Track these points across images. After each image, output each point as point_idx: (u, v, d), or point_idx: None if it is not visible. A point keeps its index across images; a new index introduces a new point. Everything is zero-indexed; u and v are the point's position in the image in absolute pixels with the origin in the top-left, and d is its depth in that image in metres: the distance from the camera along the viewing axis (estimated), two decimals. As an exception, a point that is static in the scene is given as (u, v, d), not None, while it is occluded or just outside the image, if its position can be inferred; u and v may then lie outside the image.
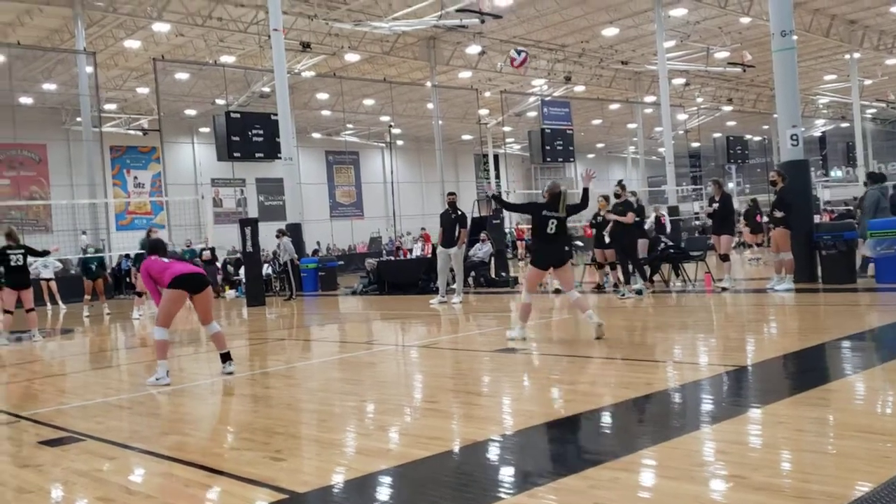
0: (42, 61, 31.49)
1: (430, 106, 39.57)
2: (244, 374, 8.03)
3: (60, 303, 21.11)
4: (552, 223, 8.43)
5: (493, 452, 4.47)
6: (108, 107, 36.07)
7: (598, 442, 4.69)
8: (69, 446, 5.19)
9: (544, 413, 5.36)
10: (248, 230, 18.48)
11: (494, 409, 5.63)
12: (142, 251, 17.93)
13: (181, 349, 11.03)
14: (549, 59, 37.59)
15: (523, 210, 9.99)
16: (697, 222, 36.91)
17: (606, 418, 5.14)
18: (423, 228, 25.06)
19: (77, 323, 16.56)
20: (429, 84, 37.11)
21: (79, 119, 29.28)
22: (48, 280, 20.98)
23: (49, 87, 33.81)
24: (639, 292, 12.65)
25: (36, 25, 28.09)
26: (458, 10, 23.95)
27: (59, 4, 25.64)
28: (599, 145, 59.62)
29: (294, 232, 20.22)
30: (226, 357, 7.70)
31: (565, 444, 4.70)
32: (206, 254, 22.54)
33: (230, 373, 7.62)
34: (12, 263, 12.40)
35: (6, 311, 12.76)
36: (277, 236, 19.40)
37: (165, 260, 7.48)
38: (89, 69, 27.02)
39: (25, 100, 34.25)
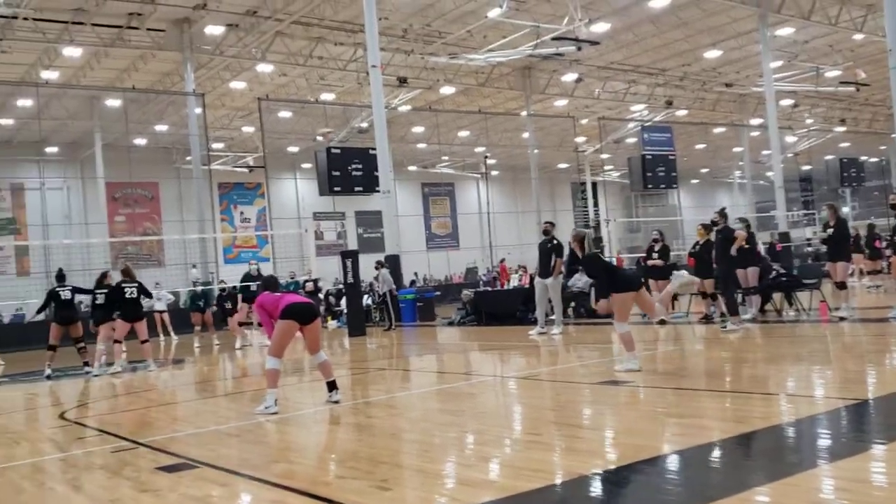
0: (154, 104, 33.25)
1: (525, 135, 39.54)
2: (347, 404, 8.16)
3: (173, 334, 21.94)
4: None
5: (599, 487, 4.36)
6: (215, 145, 37.68)
7: (708, 478, 4.48)
8: (184, 472, 5.37)
9: (651, 447, 5.17)
10: (348, 262, 18.81)
11: (599, 443, 5.53)
12: (233, 287, 18.63)
13: (286, 378, 11.24)
14: (649, 83, 37.00)
15: (588, 272, 9.74)
16: (810, 248, 35.23)
17: (717, 453, 4.92)
18: (522, 267, 24.95)
19: (188, 353, 17.16)
20: (524, 113, 37.12)
21: (189, 158, 30.68)
22: (161, 312, 21.87)
23: (161, 128, 35.64)
24: (723, 326, 11.95)
25: (149, 70, 29.73)
26: (553, 39, 23.86)
27: (170, 49, 27.06)
28: (703, 170, 57.99)
29: (392, 263, 20.43)
30: (332, 386, 7.79)
31: (674, 480, 4.54)
32: (310, 285, 23.04)
33: (336, 401, 7.71)
34: (127, 296, 13.03)
35: (117, 342, 13.34)
36: (376, 268, 19.62)
37: (277, 293, 7.69)
38: (198, 110, 28.35)
39: (139, 141, 36.20)
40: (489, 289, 20.26)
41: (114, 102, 32.13)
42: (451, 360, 12.32)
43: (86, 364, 13.39)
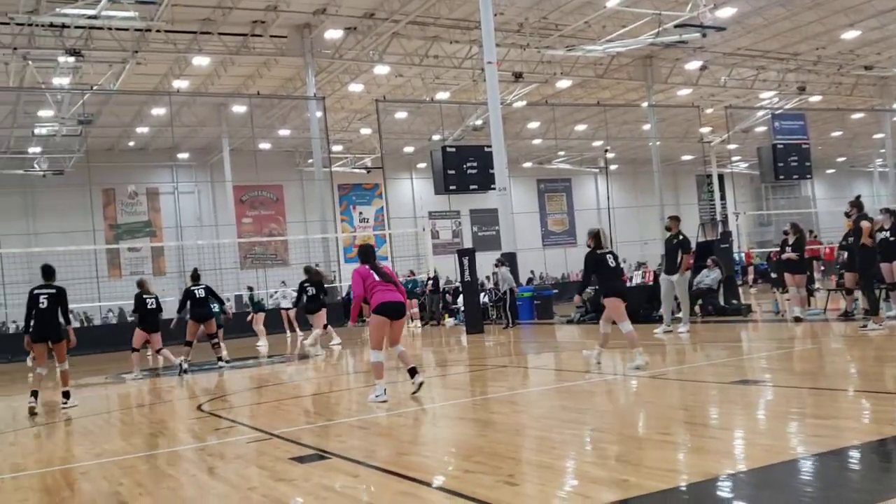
0: (278, 108, 34.50)
1: (646, 127, 38.51)
2: (468, 400, 8.25)
3: (298, 330, 22.59)
4: (609, 258, 9.12)
5: (732, 489, 4.20)
6: (335, 148, 38.69)
7: (847, 483, 4.22)
8: (316, 463, 5.52)
9: (786, 449, 4.94)
10: (465, 260, 18.82)
11: (730, 443, 5.32)
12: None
13: (401, 374, 11.36)
14: (780, 69, 35.23)
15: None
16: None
17: (857, 457, 4.61)
18: (643, 264, 24.25)
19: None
20: (645, 104, 36.16)
21: (311, 160, 31.63)
22: (287, 309, 22.58)
23: (284, 132, 36.94)
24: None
25: (272, 76, 30.85)
26: (676, 26, 23.03)
27: (292, 55, 27.98)
28: (840, 159, 54.72)
29: (508, 261, 20.28)
30: (413, 371, 8.16)
31: (810, 485, 4.28)
32: (430, 284, 23.25)
33: (422, 382, 8.10)
34: (148, 307, 13.47)
35: (188, 343, 13.94)
36: (496, 266, 19.48)
37: (376, 276, 7.97)
38: (319, 113, 29.17)
39: (264, 145, 37.68)
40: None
41: (240, 108, 33.57)
42: (572, 358, 12.11)
43: (219, 359, 13.97)
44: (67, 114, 26.89)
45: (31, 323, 9.75)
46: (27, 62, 23.77)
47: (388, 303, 7.88)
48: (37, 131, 29.56)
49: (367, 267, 8.06)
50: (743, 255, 32.51)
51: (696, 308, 15.62)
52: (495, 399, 8.22)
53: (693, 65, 32.88)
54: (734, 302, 16.49)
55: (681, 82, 35.58)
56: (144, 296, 13.49)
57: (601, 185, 48.65)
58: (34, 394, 9.76)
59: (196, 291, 13.97)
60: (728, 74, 35.04)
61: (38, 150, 32.42)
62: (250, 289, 22.27)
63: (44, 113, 28.33)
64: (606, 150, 36.78)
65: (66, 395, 10.13)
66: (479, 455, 5.33)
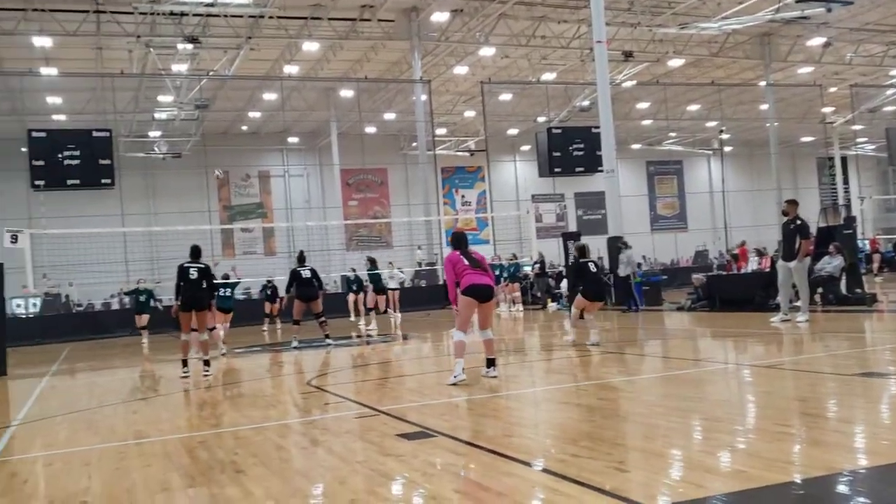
0: (384, 92, 34.93)
1: (763, 107, 36.96)
2: (572, 384, 8.14)
3: (398, 312, 22.88)
4: (591, 265, 11.24)
5: (857, 485, 3.98)
6: (439, 131, 38.88)
7: None
8: (423, 440, 5.56)
9: None
10: (570, 244, 18.55)
11: (854, 438, 5.06)
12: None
13: (508, 357, 11.35)
14: (912, 44, 32.98)
15: (574, 276, 11.97)
16: None
17: None
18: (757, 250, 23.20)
19: (414, 330, 17.83)
20: (763, 83, 34.65)
21: (415, 144, 31.91)
22: (393, 290, 22.90)
23: (389, 116, 37.38)
24: None
25: (379, 60, 31.22)
26: (798, 1, 21.81)
27: (398, 39, 28.22)
28: (984, 138, 50.79)
29: (615, 246, 19.82)
30: (491, 363, 8.21)
31: None
32: (536, 267, 23.06)
33: (494, 377, 8.07)
34: (303, 277, 14.12)
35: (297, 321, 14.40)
36: (619, 247, 18.84)
37: (466, 262, 8.16)
38: (424, 96, 29.33)
39: (370, 129, 38.27)
40: (724, 272, 19.03)
41: (347, 93, 34.20)
42: (684, 345, 11.79)
43: (326, 336, 14.30)
44: (185, 99, 28.08)
45: (180, 293, 10.60)
46: (149, 49, 24.93)
47: (476, 285, 8.06)
48: (157, 116, 31.04)
49: (457, 253, 8.30)
50: (867, 241, 30.71)
51: (817, 297, 14.88)
52: (601, 385, 8.08)
53: (816, 41, 31.19)
54: (857, 291, 15.62)
55: (801, 60, 33.88)
56: (300, 269, 14.24)
57: (714, 167, 47.00)
58: (184, 363, 10.58)
59: (302, 272, 14.32)
60: (854, 51, 33.07)
61: (157, 133, 34.05)
62: (353, 270, 22.56)
63: (163, 98, 29.71)
64: (721, 132, 35.49)
65: (207, 363, 10.71)
66: (587, 440, 5.24)
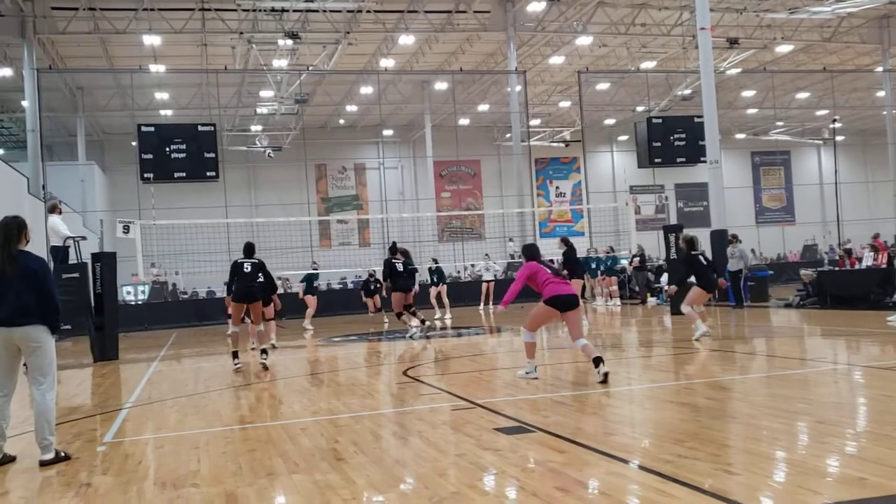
0: (478, 84, 34.85)
1: (880, 94, 34.98)
2: (675, 383, 7.97)
3: (491, 304, 22.83)
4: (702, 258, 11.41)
5: None
6: (533, 122, 38.53)
7: None
8: (521, 436, 5.50)
9: None
10: (672, 237, 18.00)
11: None
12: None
13: (605, 353, 11.12)
14: None
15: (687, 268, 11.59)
16: None
17: None
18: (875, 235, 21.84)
19: (508, 322, 17.71)
20: (880, 69, 32.74)
21: (508, 135, 31.74)
22: (488, 282, 22.88)
23: (483, 107, 37.29)
24: None
25: (474, 52, 31.14)
26: (921, -20, 20.52)
27: (494, 30, 28.05)
28: None
29: (718, 239, 19.14)
30: (598, 361, 7.78)
31: None
32: (636, 261, 22.55)
33: (606, 373, 7.66)
34: (398, 270, 14.26)
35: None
36: (731, 242, 18.17)
37: (548, 271, 8.19)
38: (519, 88, 29.09)
39: (463, 121, 38.31)
40: (836, 268, 18.12)
41: (441, 85, 34.29)
42: (792, 344, 11.28)
43: (423, 322, 14.55)
44: (285, 93, 28.77)
45: (233, 286, 10.88)
46: (251, 45, 25.65)
47: (561, 296, 8.01)
48: (258, 110, 31.96)
49: (535, 262, 8.31)
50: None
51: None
52: (706, 383, 7.82)
53: (943, 22, 29.28)
54: None
55: (923, 44, 31.85)
56: (393, 260, 14.48)
57: (825, 158, 44.85)
58: (235, 354, 10.84)
59: (396, 265, 14.44)
60: None
61: (259, 127, 35.06)
62: (434, 261, 22.00)
63: (264, 93, 30.55)
64: (834, 121, 33.74)
65: (264, 351, 10.90)
66: (693, 440, 5.06)
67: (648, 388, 7.80)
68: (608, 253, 23.40)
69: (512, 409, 6.52)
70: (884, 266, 14.91)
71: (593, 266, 23.48)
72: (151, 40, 25.99)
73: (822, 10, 23.92)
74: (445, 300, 20.56)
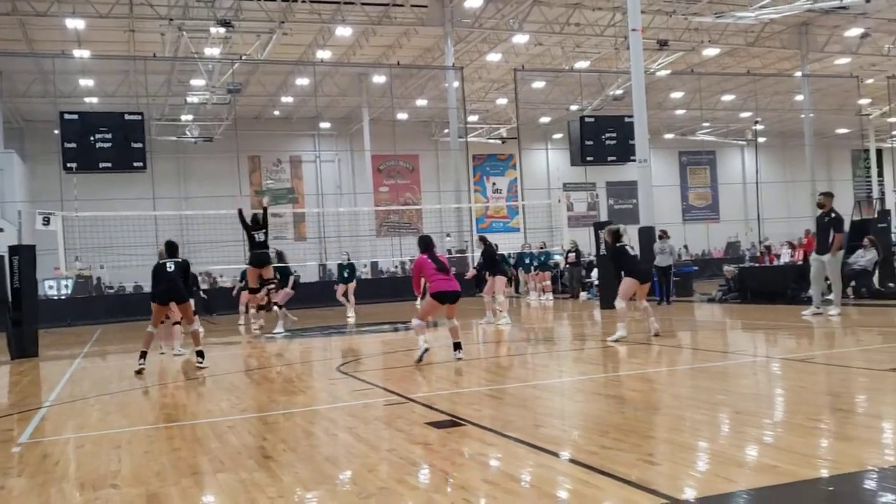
0: (416, 79, 34.84)
1: (799, 98, 36.37)
2: (602, 375, 8.11)
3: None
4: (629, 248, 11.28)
5: (889, 482, 3.94)
6: (470, 118, 38.74)
7: None
8: (452, 429, 5.56)
9: None
10: (601, 233, 18.34)
11: (886, 434, 5.00)
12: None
13: (537, 346, 11.31)
14: (954, 35, 32.18)
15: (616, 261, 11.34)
16: None
17: None
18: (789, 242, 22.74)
19: (441, 316, 17.78)
20: (799, 74, 34.05)
21: (446, 131, 31.82)
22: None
23: (421, 102, 37.30)
24: None
25: (412, 46, 31.13)
26: (837, -10, 21.40)
27: (431, 25, 28.08)
28: None
29: (646, 236, 19.62)
30: (458, 346, 9.34)
31: None
32: (571, 256, 22.88)
33: (460, 358, 9.16)
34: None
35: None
36: (660, 237, 18.51)
37: (434, 266, 9.18)
38: (456, 83, 29.22)
39: (402, 115, 38.23)
40: (756, 264, 18.79)
41: (379, 79, 34.17)
42: (714, 337, 11.66)
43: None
44: (217, 83, 28.24)
45: (157, 288, 10.47)
46: (181, 33, 25.08)
47: (444, 292, 9.10)
48: (189, 99, 31.28)
49: (425, 256, 9.31)
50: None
51: (849, 290, 14.63)
52: (631, 376, 8.02)
53: (853, 32, 30.63)
54: (891, 285, 15.37)
55: (839, 51, 33.31)
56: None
57: (748, 158, 46.36)
58: (142, 354, 10.11)
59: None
60: (892, 42, 32.37)
61: (189, 117, 34.30)
62: (347, 256, 20.95)
63: (196, 82, 29.90)
64: (756, 122, 34.91)
65: (200, 354, 10.39)
66: (616, 431, 5.21)
67: (578, 380, 7.96)
68: (542, 248, 23.73)
69: (445, 404, 6.58)
70: (800, 263, 15.52)
71: (527, 261, 23.80)
72: (75, 24, 25.14)
73: (746, 16, 24.72)
74: (352, 297, 19.43)
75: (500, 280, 15.19)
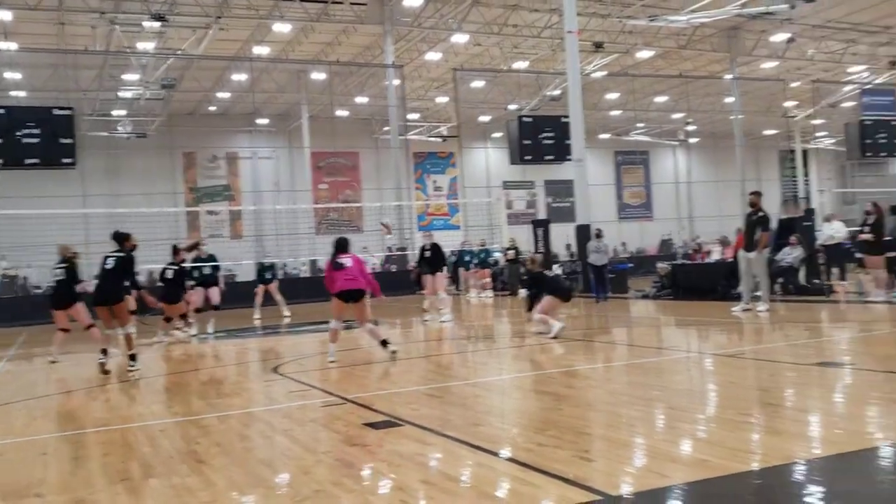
0: (356, 76, 34.61)
1: (729, 100, 37.39)
2: (541, 373, 8.24)
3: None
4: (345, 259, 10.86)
5: (813, 474, 4.10)
6: (411, 116, 38.65)
7: None
8: (390, 430, 5.55)
9: (869, 435, 4.82)
10: (540, 231, 18.65)
11: (812, 427, 5.20)
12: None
13: (478, 344, 11.40)
14: (871, 42, 33.51)
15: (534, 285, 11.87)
16: None
17: None
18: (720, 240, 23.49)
19: (384, 315, 17.74)
20: (728, 77, 35.01)
21: (387, 128, 31.73)
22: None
23: (361, 100, 37.08)
24: None
25: (351, 44, 30.92)
26: (764, -4, 22.03)
27: (371, 23, 27.95)
28: (931, 137, 51.96)
29: (583, 234, 19.95)
30: (385, 343, 9.35)
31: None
32: (511, 253, 23.04)
33: (394, 351, 9.30)
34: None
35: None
36: (597, 235, 18.69)
37: (334, 267, 9.29)
38: (397, 81, 29.16)
39: (342, 112, 37.95)
40: (688, 261, 19.26)
41: (319, 76, 33.81)
42: (648, 333, 11.91)
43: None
44: (151, 78, 27.56)
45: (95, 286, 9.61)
46: (113, 26, 24.39)
47: (344, 290, 9.25)
48: (122, 94, 30.44)
49: (330, 259, 9.51)
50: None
51: (777, 287, 15.14)
52: (568, 373, 8.12)
53: (780, 37, 31.58)
54: (816, 281, 15.93)
55: (766, 55, 34.32)
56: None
57: (680, 158, 47.47)
58: (104, 351, 9.62)
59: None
60: (816, 47, 33.57)
61: (122, 112, 33.39)
62: (267, 255, 20.72)
63: (128, 77, 29.11)
64: (687, 123, 35.82)
65: (133, 357, 9.71)
66: (553, 429, 5.27)
67: (516, 377, 8.05)
68: (481, 246, 23.90)
69: (383, 404, 6.55)
70: (730, 260, 15.97)
71: (467, 259, 23.94)
72: (2, 15, 24.19)
73: (678, 19, 25.26)
74: (278, 296, 18.39)
75: (440, 276, 15.28)
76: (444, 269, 15.80)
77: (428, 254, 15.24)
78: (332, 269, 9.39)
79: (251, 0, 25.25)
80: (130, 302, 12.73)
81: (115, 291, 9.68)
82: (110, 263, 9.65)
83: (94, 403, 7.89)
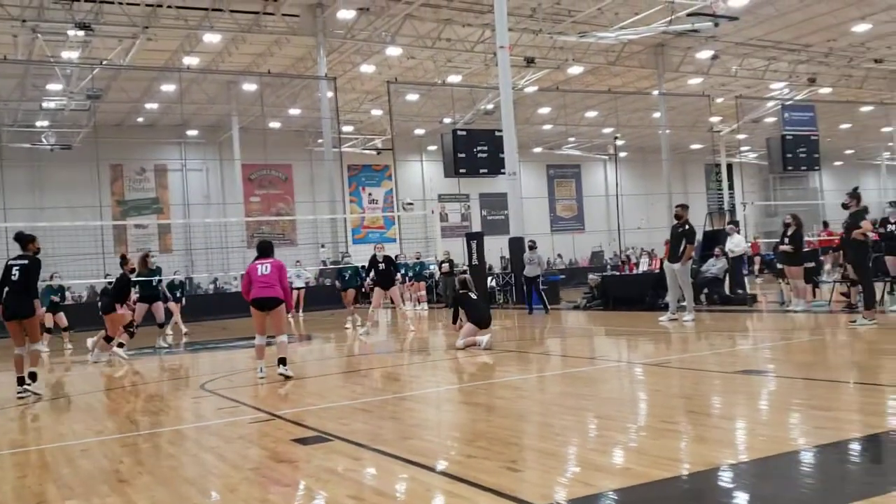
0: (288, 88, 34.31)
1: (656, 115, 38.32)
2: (472, 384, 8.22)
3: (301, 312, 22.63)
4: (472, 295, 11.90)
5: (736, 479, 4.20)
6: (345, 128, 38.50)
7: (853, 475, 4.25)
8: (318, 445, 5.50)
9: (790, 440, 4.96)
10: (474, 244, 18.79)
11: (734, 433, 5.32)
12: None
13: (412, 357, 11.40)
14: (791, 60, 34.92)
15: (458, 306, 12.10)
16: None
17: (862, 448, 4.61)
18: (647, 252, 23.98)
19: (318, 330, 17.62)
20: (656, 92, 35.93)
21: (320, 141, 31.52)
22: (299, 289, 22.56)
23: (294, 111, 36.77)
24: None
25: (284, 55, 30.66)
26: (689, 15, 22.75)
27: (303, 34, 27.78)
28: (848, 152, 54.43)
29: (516, 246, 20.19)
30: (282, 361, 8.98)
31: (812, 476, 4.28)
32: (445, 266, 23.10)
33: (284, 374, 8.89)
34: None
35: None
36: (531, 247, 18.83)
37: (258, 273, 9.08)
38: (330, 94, 29.02)
39: (274, 124, 37.54)
40: (617, 273, 19.66)
41: (250, 87, 33.40)
42: (579, 344, 12.10)
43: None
44: (76, 88, 26.81)
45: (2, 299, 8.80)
46: (36, 35, 23.64)
47: (256, 298, 9.08)
48: (45, 105, 29.51)
49: (256, 262, 9.27)
50: (750, 244, 32.37)
51: (702, 297, 15.57)
52: (499, 384, 8.20)
53: (704, 54, 32.63)
54: (739, 291, 16.43)
55: (692, 71, 35.34)
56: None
57: (610, 172, 48.42)
58: (20, 380, 8.94)
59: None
60: (739, 64, 34.78)
61: (45, 123, 32.36)
62: (175, 273, 19.86)
63: (52, 87, 28.25)
64: (616, 138, 36.59)
65: (33, 376, 9.04)
66: (482, 440, 5.31)
67: (447, 389, 8.07)
68: (417, 259, 23.92)
69: (312, 419, 6.50)
70: (657, 271, 16.38)
71: (402, 272, 23.91)
72: (-86, 22, 23.25)
73: (607, 36, 25.89)
74: (178, 317, 18.05)
75: (396, 291, 15.56)
76: (397, 281, 15.89)
77: (382, 266, 15.18)
78: (258, 276, 9.14)
79: (180, 10, 24.82)
80: (125, 316, 12.65)
81: (24, 304, 8.82)
82: (16, 274, 8.76)
83: (12, 424, 7.60)
